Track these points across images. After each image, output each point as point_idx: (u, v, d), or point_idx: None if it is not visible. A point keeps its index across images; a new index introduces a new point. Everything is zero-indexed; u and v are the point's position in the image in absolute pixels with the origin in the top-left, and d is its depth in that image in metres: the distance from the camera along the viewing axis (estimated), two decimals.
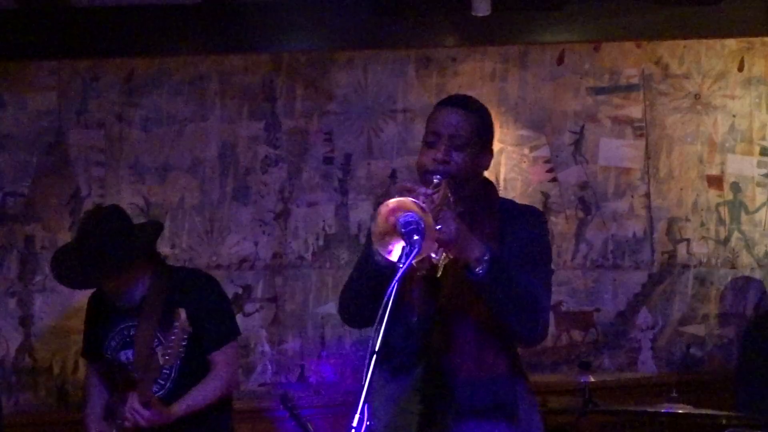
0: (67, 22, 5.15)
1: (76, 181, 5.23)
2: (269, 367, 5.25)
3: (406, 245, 2.43)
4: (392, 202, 2.49)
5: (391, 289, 2.36)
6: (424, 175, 2.82)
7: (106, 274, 3.73)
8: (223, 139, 5.32)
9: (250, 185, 5.31)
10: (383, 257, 2.51)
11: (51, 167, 5.24)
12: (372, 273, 2.70)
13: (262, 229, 5.30)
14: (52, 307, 5.16)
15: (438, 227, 2.49)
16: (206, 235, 5.26)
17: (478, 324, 2.82)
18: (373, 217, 2.54)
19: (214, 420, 3.90)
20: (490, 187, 3.04)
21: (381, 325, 2.33)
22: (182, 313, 3.58)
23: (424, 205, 2.47)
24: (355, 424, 2.24)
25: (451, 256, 2.66)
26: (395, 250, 2.48)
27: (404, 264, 2.40)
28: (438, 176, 2.75)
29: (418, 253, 2.40)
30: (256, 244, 5.29)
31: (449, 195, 2.72)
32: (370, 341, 2.31)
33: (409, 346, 2.64)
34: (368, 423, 2.26)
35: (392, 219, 2.48)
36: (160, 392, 3.77)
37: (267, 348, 5.24)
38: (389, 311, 2.33)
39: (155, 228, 4.03)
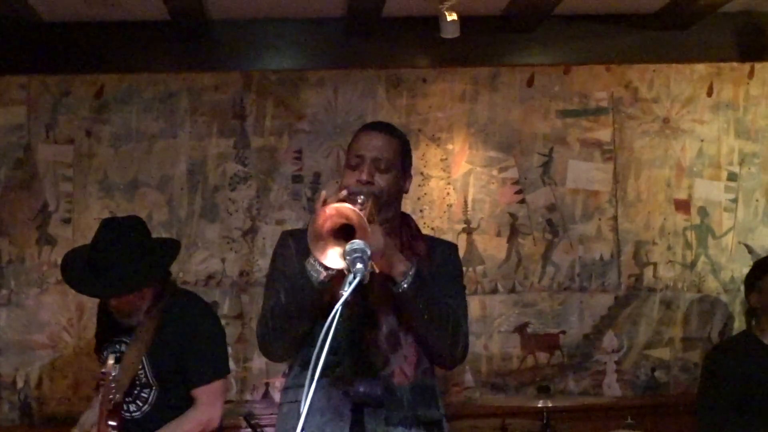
0: (38, 37, 5.17)
1: (44, 196, 5.24)
2: (234, 384, 5.24)
3: (349, 273, 2.44)
4: (331, 207, 2.53)
5: (332, 315, 2.36)
6: (348, 196, 2.81)
7: (120, 289, 3.65)
8: (192, 157, 5.33)
9: (219, 202, 5.32)
10: (318, 264, 2.58)
11: (19, 182, 5.25)
12: (306, 290, 2.69)
13: (229, 246, 5.31)
14: (17, 321, 5.16)
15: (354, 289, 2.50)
16: None
17: (409, 332, 2.85)
18: (311, 221, 2.55)
19: None
20: (410, 219, 3.10)
21: (323, 349, 2.32)
22: (110, 359, 3.57)
23: (360, 211, 2.51)
24: None
25: (377, 269, 2.68)
26: (330, 256, 2.53)
27: (346, 291, 2.40)
28: (362, 196, 2.77)
29: (359, 282, 2.40)
30: (223, 261, 5.30)
31: (375, 213, 2.75)
32: (311, 364, 2.29)
33: (330, 346, 2.60)
34: None
35: (328, 225, 2.51)
36: (136, 413, 3.72)
37: (232, 366, 5.19)
38: (330, 336, 2.33)
39: (172, 250, 3.92)
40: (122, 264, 3.60)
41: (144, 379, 3.68)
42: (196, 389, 3.71)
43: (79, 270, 3.71)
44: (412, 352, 2.88)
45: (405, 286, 2.70)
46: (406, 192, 3.04)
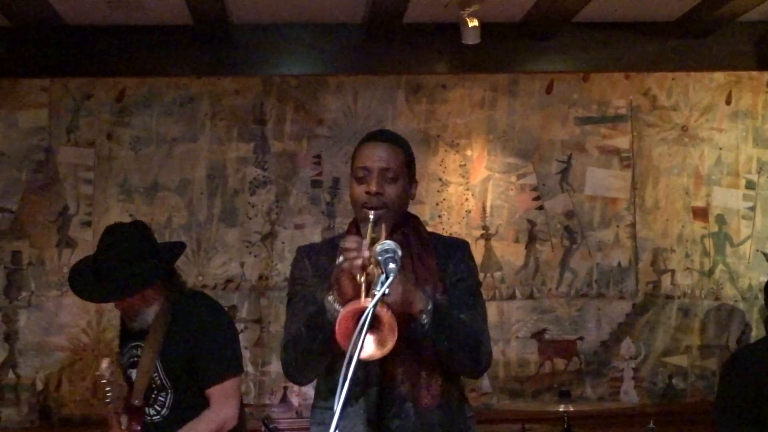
0: (60, 40, 5.19)
1: (65, 198, 5.27)
2: (252, 388, 5.26)
3: (382, 273, 2.45)
4: (350, 310, 2.48)
5: (366, 314, 2.37)
6: (360, 209, 2.82)
7: (118, 293, 3.63)
8: (212, 160, 5.36)
9: (238, 206, 5.34)
10: (337, 303, 2.56)
11: (40, 184, 5.28)
12: (326, 328, 2.62)
13: (248, 250, 5.32)
14: (37, 323, 5.18)
15: (386, 292, 2.49)
16: (193, 255, 5.28)
17: (422, 356, 2.82)
18: (337, 324, 2.51)
19: None
20: (416, 220, 3.04)
21: (350, 366, 2.31)
22: (104, 362, 3.57)
23: (378, 299, 2.48)
24: None
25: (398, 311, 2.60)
26: (366, 349, 2.45)
27: (379, 291, 2.41)
28: (373, 212, 2.76)
29: (393, 280, 2.41)
30: (242, 265, 5.31)
31: (389, 234, 2.72)
32: (339, 383, 2.28)
33: (356, 377, 2.57)
34: None
35: (352, 324, 2.47)
36: (156, 417, 3.72)
37: (250, 369, 5.24)
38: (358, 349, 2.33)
39: (175, 250, 3.89)
40: (119, 268, 3.58)
41: (159, 382, 3.67)
42: (209, 389, 3.65)
43: (82, 276, 3.71)
44: (435, 373, 2.85)
45: (424, 323, 2.66)
46: (413, 198, 2.99)
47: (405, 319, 2.65)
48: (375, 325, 2.46)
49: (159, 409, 3.69)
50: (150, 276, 3.63)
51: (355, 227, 2.92)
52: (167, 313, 3.68)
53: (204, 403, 3.69)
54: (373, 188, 2.82)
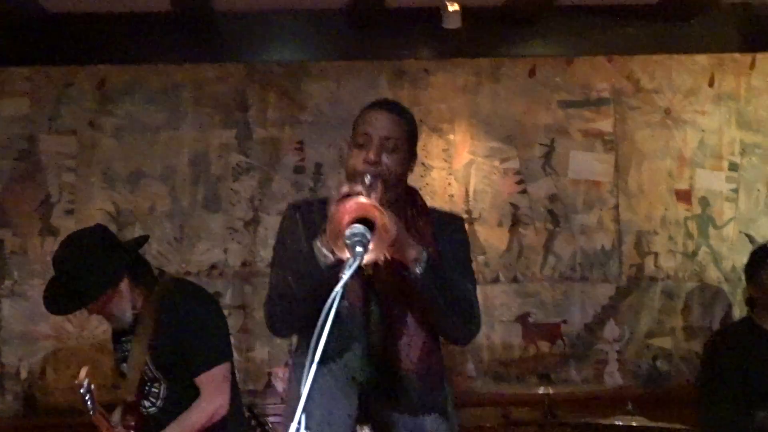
0: (41, 28, 5.19)
1: (47, 187, 5.27)
2: (237, 374, 5.24)
3: (350, 257, 2.45)
4: (351, 203, 2.48)
5: (333, 297, 2.37)
6: (354, 177, 2.75)
7: (78, 302, 3.63)
8: (195, 148, 5.35)
9: (221, 193, 5.34)
10: (326, 248, 2.52)
11: (22, 173, 5.27)
12: (314, 274, 2.63)
13: (232, 236, 5.33)
14: (21, 312, 5.18)
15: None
16: (176, 242, 5.29)
17: (414, 318, 2.82)
18: (329, 218, 2.51)
19: None
20: (416, 193, 3.02)
21: (322, 332, 2.33)
22: (82, 372, 3.56)
23: (380, 206, 2.48)
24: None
25: (389, 256, 2.61)
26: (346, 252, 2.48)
27: (347, 275, 2.42)
28: (369, 176, 2.69)
29: (359, 264, 2.41)
30: (225, 251, 5.32)
31: (384, 195, 2.66)
32: (311, 348, 2.31)
33: (338, 332, 2.55)
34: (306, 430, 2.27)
35: (347, 220, 2.46)
36: (152, 409, 3.71)
37: (235, 355, 5.18)
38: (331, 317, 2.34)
39: (134, 246, 3.82)
40: (76, 277, 3.56)
41: (151, 374, 3.67)
42: (198, 377, 3.64)
43: (48, 290, 3.68)
44: (418, 339, 2.84)
45: (419, 271, 2.64)
46: (411, 171, 2.94)
47: (398, 267, 2.66)
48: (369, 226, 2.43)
49: (154, 400, 3.70)
50: (107, 279, 3.60)
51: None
52: (153, 305, 3.67)
53: (198, 392, 3.69)
54: (371, 157, 2.77)
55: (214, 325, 3.76)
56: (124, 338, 3.75)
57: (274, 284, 2.88)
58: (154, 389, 3.68)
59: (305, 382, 2.26)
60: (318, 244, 2.61)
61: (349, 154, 2.87)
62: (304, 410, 2.23)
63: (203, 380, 3.65)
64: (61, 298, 3.62)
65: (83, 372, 3.57)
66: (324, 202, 2.77)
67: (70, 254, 3.62)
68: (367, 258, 2.41)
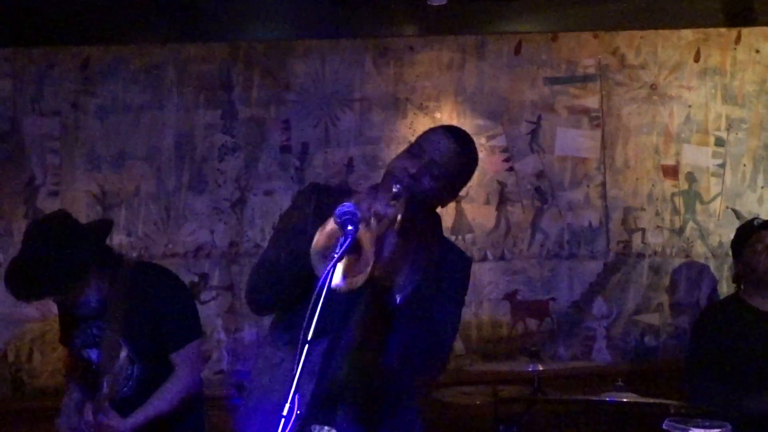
0: (23, 9, 5.12)
1: (31, 169, 5.22)
2: (225, 355, 5.26)
3: (341, 235, 2.44)
4: (331, 229, 2.49)
5: (323, 279, 2.37)
6: (390, 178, 2.77)
7: (48, 290, 3.62)
8: (180, 128, 5.31)
9: (207, 174, 5.31)
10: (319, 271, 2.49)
11: (5, 155, 5.23)
12: (308, 258, 2.63)
13: (218, 217, 5.30)
14: (6, 295, 5.05)
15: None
16: (162, 224, 5.25)
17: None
18: (322, 233, 2.51)
19: (181, 421, 3.79)
20: (437, 222, 3.00)
21: (314, 316, 2.33)
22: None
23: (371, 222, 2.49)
24: (285, 413, 2.25)
25: (376, 275, 2.57)
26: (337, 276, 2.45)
27: (338, 254, 2.41)
28: (399, 186, 2.71)
29: (351, 242, 2.41)
30: (212, 232, 5.29)
31: (401, 213, 2.66)
32: (302, 331, 2.31)
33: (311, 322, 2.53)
34: (298, 411, 2.27)
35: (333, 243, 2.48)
36: (125, 389, 3.73)
37: (223, 336, 5.24)
38: (321, 302, 2.34)
39: (101, 232, 3.79)
40: (48, 262, 3.52)
41: (125, 356, 3.69)
42: (174, 353, 3.73)
43: (15, 278, 3.62)
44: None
45: (397, 301, 2.63)
46: (442, 207, 2.93)
47: (380, 290, 2.65)
48: (353, 251, 2.46)
49: (127, 381, 3.71)
50: (76, 271, 3.57)
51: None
52: (122, 289, 3.67)
53: (170, 369, 3.73)
54: (414, 171, 2.76)
55: (185, 304, 3.86)
56: (84, 324, 3.76)
57: (266, 257, 2.86)
58: (126, 371, 3.69)
59: (298, 362, 2.28)
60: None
61: (399, 155, 2.87)
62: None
63: (177, 357, 3.74)
64: (29, 283, 3.58)
65: None
66: (343, 192, 2.79)
67: (41, 242, 3.57)
68: (352, 282, 2.44)
